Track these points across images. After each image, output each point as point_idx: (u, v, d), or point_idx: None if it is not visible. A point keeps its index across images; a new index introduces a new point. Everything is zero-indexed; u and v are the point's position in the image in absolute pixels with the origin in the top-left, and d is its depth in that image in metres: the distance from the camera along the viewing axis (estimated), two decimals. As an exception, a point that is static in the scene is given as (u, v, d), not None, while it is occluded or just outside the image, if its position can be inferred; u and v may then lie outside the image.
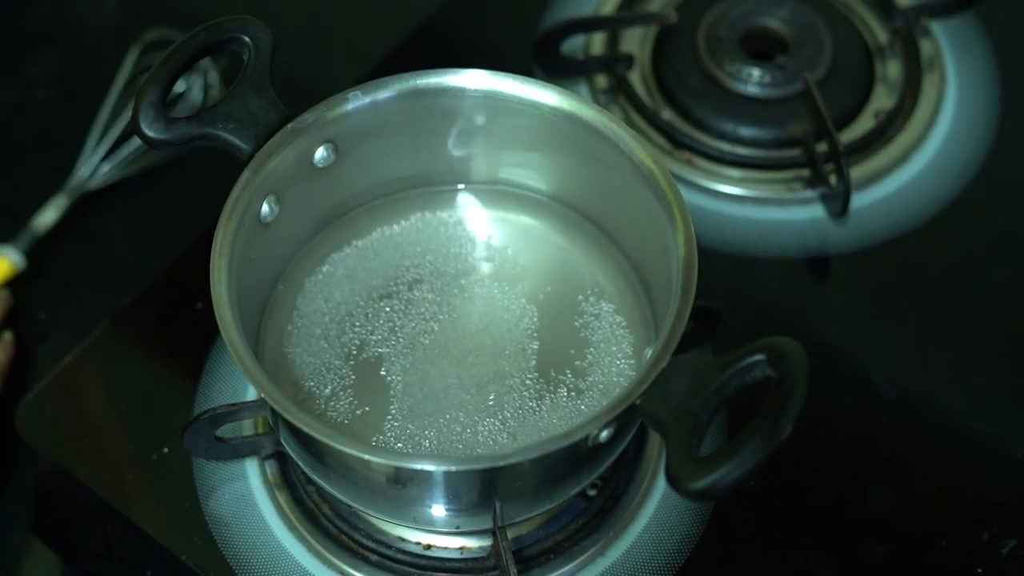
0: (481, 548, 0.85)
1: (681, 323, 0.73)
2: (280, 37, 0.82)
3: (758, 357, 0.70)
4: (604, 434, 0.73)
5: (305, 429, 0.71)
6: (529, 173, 0.90)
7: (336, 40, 1.20)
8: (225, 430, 0.86)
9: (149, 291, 0.98)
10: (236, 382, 0.92)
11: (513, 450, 0.71)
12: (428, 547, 0.85)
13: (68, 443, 0.92)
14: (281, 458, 0.89)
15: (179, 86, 1.07)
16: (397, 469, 0.74)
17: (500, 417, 0.82)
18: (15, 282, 1.05)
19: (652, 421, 0.72)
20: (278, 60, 0.82)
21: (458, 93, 0.84)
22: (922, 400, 0.94)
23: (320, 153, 0.84)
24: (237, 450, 0.88)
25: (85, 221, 1.07)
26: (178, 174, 1.09)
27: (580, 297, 0.88)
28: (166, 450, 0.91)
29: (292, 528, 0.87)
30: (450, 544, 0.85)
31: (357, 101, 0.83)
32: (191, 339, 0.95)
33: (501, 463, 0.71)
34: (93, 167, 1.06)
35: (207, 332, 0.92)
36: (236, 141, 0.80)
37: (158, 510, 0.90)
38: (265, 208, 0.82)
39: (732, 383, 0.70)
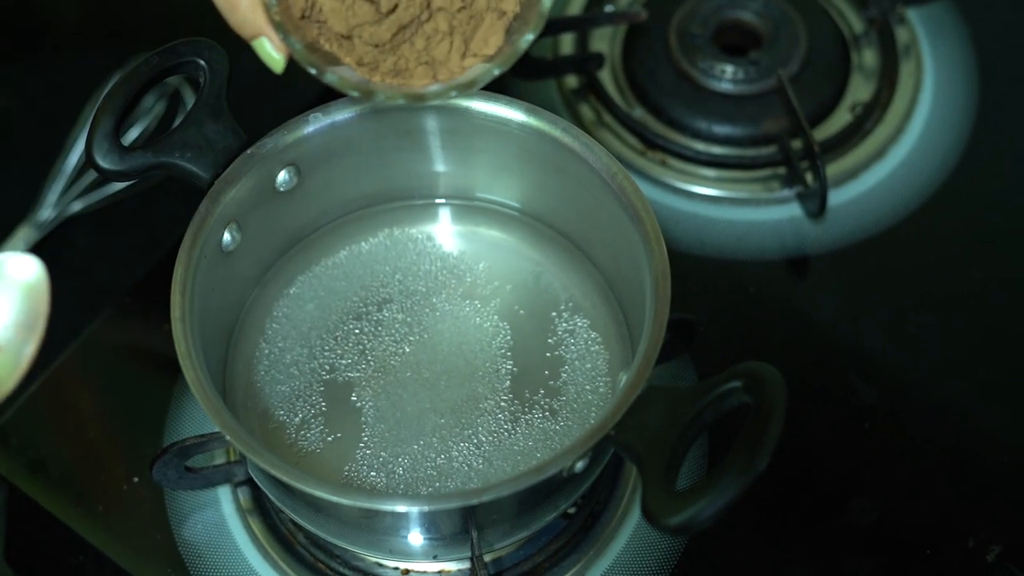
0: (460, 572, 0.83)
1: (655, 349, 0.71)
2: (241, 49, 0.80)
3: (735, 384, 0.69)
4: (579, 465, 0.72)
5: (273, 472, 0.69)
6: (499, 188, 0.88)
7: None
8: (196, 459, 0.84)
9: (114, 315, 0.97)
10: (206, 407, 0.91)
11: (486, 487, 0.69)
12: (406, 572, 0.84)
13: (37, 474, 0.91)
14: (254, 484, 0.87)
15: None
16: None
17: (475, 441, 0.81)
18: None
19: (627, 452, 0.70)
20: (238, 72, 0.80)
21: (421, 110, 0.82)
22: (904, 404, 0.93)
23: (282, 177, 0.82)
24: (208, 479, 0.86)
25: (48, 244, 1.05)
26: (145, 192, 1.06)
27: (554, 313, 0.86)
28: (136, 479, 0.89)
29: (267, 556, 0.86)
30: (428, 568, 0.84)
31: (317, 123, 0.81)
32: (160, 363, 0.93)
33: (474, 501, 0.69)
34: (59, 197, 1.04)
35: (175, 355, 0.90)
36: (194, 169, 0.78)
37: (130, 541, 0.88)
38: (227, 237, 0.80)
39: (709, 411, 0.69)
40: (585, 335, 0.85)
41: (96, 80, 1.11)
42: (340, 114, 0.81)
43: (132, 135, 1.05)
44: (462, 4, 0.74)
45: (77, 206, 1.04)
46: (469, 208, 0.89)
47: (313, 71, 0.72)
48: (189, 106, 1.07)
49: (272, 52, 0.72)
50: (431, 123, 0.83)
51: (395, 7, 0.73)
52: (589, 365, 0.84)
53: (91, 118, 1.05)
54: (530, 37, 0.74)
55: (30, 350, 0.85)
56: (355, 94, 0.74)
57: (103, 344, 0.97)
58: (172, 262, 0.77)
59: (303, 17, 0.73)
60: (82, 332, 0.97)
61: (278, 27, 0.72)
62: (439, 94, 0.74)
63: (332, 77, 0.73)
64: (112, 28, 1.19)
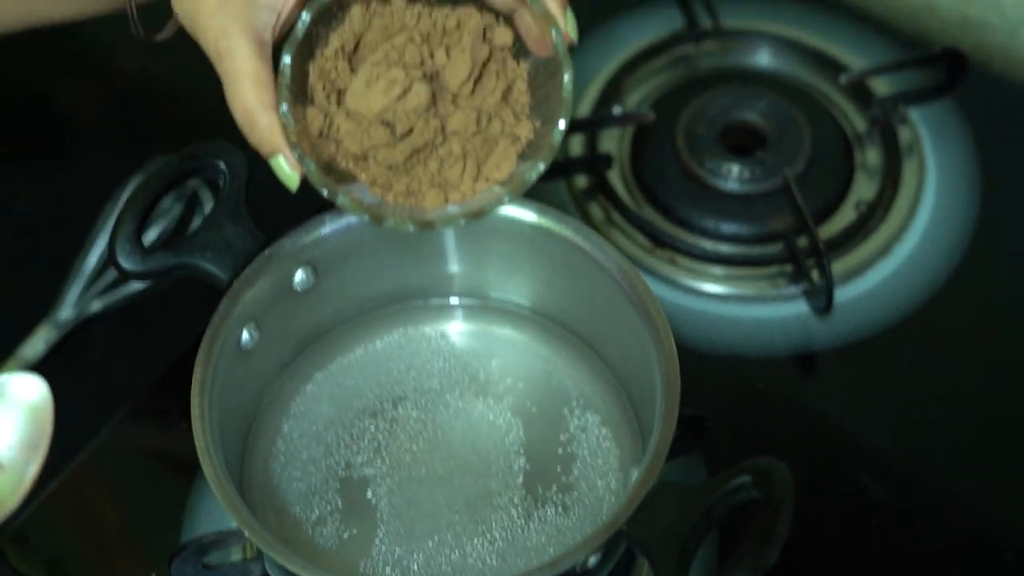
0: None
1: (665, 445, 0.73)
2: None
3: (744, 479, 0.70)
4: (592, 560, 0.73)
5: (291, 568, 0.71)
6: (511, 287, 0.90)
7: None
8: (213, 556, 0.85)
9: (133, 415, 0.98)
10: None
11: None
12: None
13: (55, 572, 0.92)
14: (271, 581, 0.88)
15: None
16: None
17: (489, 537, 0.82)
18: None
19: (639, 547, 0.71)
20: (257, 173, 0.82)
21: (435, 212, 0.84)
22: (912, 499, 0.94)
23: (299, 277, 0.84)
24: (226, 576, 0.87)
25: (67, 344, 1.06)
26: (163, 292, 1.08)
27: (566, 410, 0.87)
28: (154, 575, 0.90)
29: (283, 653, 0.86)
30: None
31: (333, 224, 0.83)
32: (177, 461, 0.94)
33: (487, 597, 0.70)
34: (79, 296, 1.06)
35: (193, 452, 0.91)
36: (214, 270, 0.80)
37: (146, 637, 0.89)
38: (245, 336, 0.81)
39: (719, 507, 0.70)
40: (596, 431, 0.86)
41: (115, 181, 1.12)
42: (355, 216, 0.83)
43: (151, 236, 1.06)
44: (476, 129, 0.76)
45: (96, 306, 1.06)
46: (482, 307, 0.91)
47: (325, 192, 0.74)
48: (207, 207, 1.09)
49: (288, 170, 0.74)
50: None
51: (410, 131, 0.75)
52: (601, 461, 0.85)
53: (113, 219, 1.07)
54: (540, 167, 0.76)
55: (33, 469, 0.87)
56: (366, 218, 0.75)
57: (121, 443, 0.98)
58: (190, 362, 0.78)
59: (321, 135, 0.75)
60: (100, 431, 0.98)
61: (294, 147, 0.74)
62: (448, 221, 0.76)
63: (343, 200, 0.74)
64: (131, 129, 1.21)
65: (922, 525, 0.93)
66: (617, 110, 1.12)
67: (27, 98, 1.23)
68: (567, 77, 0.75)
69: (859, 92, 1.13)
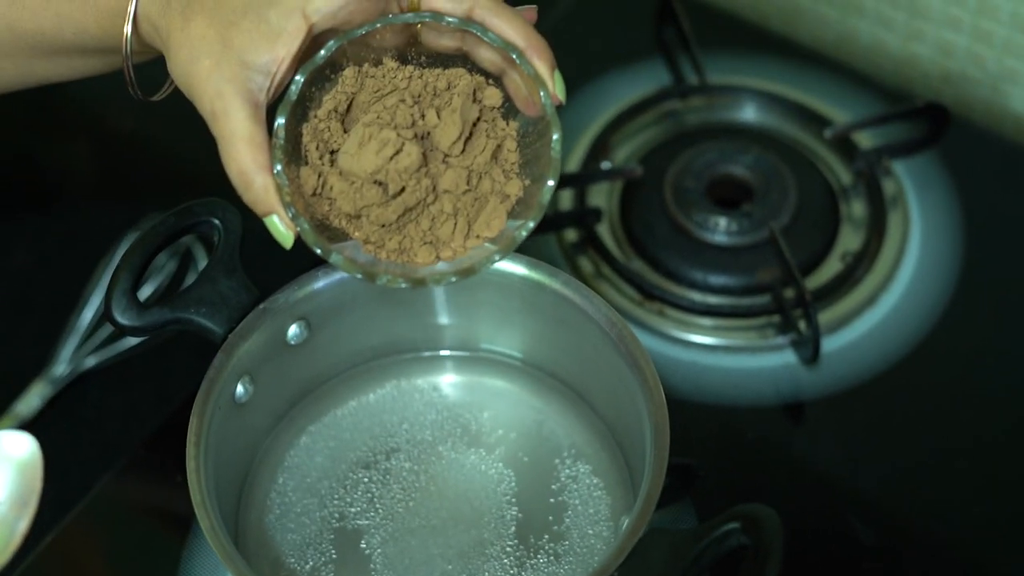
0: None
1: (656, 493, 0.74)
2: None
3: (733, 526, 0.71)
4: (584, 607, 0.74)
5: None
6: (502, 339, 0.91)
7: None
8: (208, 610, 0.86)
9: (127, 469, 0.98)
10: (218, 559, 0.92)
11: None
12: None
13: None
14: (266, 634, 0.89)
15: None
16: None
17: (482, 587, 0.83)
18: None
19: (631, 594, 0.72)
20: (251, 228, 0.83)
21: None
22: (901, 545, 0.95)
23: (293, 331, 0.85)
24: (221, 629, 0.88)
25: (62, 399, 1.07)
26: (156, 348, 1.09)
27: (557, 460, 0.88)
28: (149, 630, 0.91)
29: None
30: None
31: (327, 278, 0.84)
32: (172, 515, 0.95)
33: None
34: (74, 352, 1.07)
35: (188, 506, 0.92)
36: (209, 324, 0.81)
37: None
38: (240, 389, 0.82)
39: (708, 554, 0.71)
40: (587, 480, 0.87)
41: (109, 238, 1.13)
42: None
43: (146, 292, 1.07)
44: (467, 187, 0.77)
45: (91, 361, 1.07)
46: (473, 359, 0.92)
47: (319, 251, 0.75)
48: (200, 263, 1.10)
49: (282, 229, 0.75)
50: (436, 278, 0.86)
51: (402, 190, 0.76)
52: (592, 510, 0.86)
53: (107, 276, 1.09)
54: (530, 225, 0.77)
55: (23, 526, 0.87)
56: (359, 276, 0.77)
57: (115, 498, 0.98)
58: (184, 416, 0.79)
59: (315, 194, 0.77)
60: (95, 486, 0.98)
61: (288, 207, 0.75)
62: (439, 279, 0.77)
63: (337, 258, 0.75)
64: (123, 187, 1.22)
65: (911, 570, 0.93)
66: (606, 165, 1.13)
67: (20, 156, 1.24)
68: (555, 137, 0.76)
69: (843, 146, 1.14)
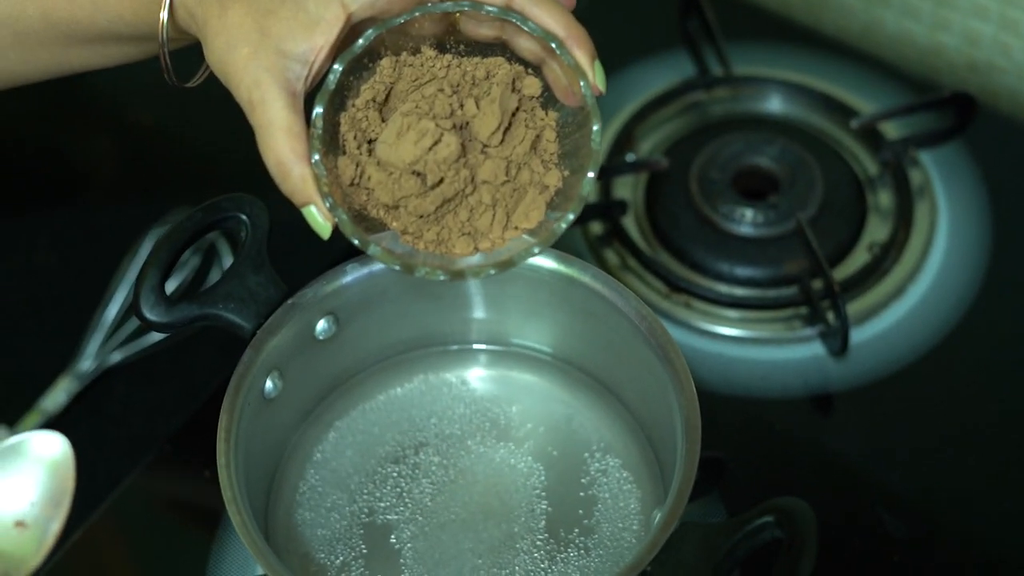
0: None
1: (687, 486, 0.73)
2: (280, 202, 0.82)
3: (767, 519, 0.71)
4: (616, 601, 0.73)
5: (318, 613, 0.71)
6: (530, 332, 0.90)
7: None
8: (238, 604, 0.86)
9: (155, 463, 0.99)
10: (247, 553, 0.92)
11: None
12: None
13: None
14: (296, 629, 0.89)
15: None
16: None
17: (512, 581, 0.82)
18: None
19: (664, 588, 0.72)
20: (278, 222, 0.83)
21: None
22: (932, 536, 0.94)
23: (321, 326, 0.84)
24: (250, 623, 0.88)
25: (88, 395, 1.07)
26: (182, 343, 1.09)
27: (586, 454, 0.88)
28: (178, 624, 0.91)
29: None
30: None
31: (355, 273, 0.84)
32: (200, 510, 0.95)
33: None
34: (100, 348, 1.07)
35: (216, 501, 0.92)
36: (237, 320, 0.81)
37: None
38: (269, 384, 0.82)
39: (742, 547, 0.71)
40: (617, 474, 0.87)
41: (134, 232, 1.14)
42: (377, 264, 0.84)
43: (169, 287, 1.07)
44: (506, 178, 0.76)
45: (116, 357, 1.07)
46: (502, 353, 0.92)
47: (356, 242, 0.75)
48: (224, 259, 1.10)
49: (320, 220, 0.75)
50: (465, 272, 0.86)
51: (441, 180, 0.76)
52: (622, 504, 0.85)
53: (133, 271, 1.09)
54: (570, 217, 0.76)
55: (55, 527, 0.87)
56: (396, 267, 0.76)
57: (142, 493, 0.98)
58: (210, 412, 0.79)
59: (352, 185, 0.76)
60: (121, 482, 0.98)
61: (326, 197, 0.74)
62: (478, 272, 0.77)
63: (375, 249, 0.75)
64: (149, 181, 1.23)
65: (942, 561, 0.93)
66: (631, 157, 1.13)
67: (44, 151, 1.24)
68: (596, 128, 0.76)
69: (870, 136, 1.14)
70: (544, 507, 0.85)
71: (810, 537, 0.69)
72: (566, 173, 0.78)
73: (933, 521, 0.95)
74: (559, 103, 0.78)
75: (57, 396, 1.06)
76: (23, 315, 1.14)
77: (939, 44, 1.25)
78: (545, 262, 0.84)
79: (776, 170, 1.10)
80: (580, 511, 0.85)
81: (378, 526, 0.85)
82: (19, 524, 0.89)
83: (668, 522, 0.72)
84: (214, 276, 1.11)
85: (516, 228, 0.78)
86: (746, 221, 1.07)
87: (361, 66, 0.76)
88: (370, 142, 0.77)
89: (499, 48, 0.78)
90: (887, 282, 1.06)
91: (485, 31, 0.77)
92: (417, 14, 0.75)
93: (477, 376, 0.92)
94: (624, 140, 1.14)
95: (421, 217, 0.76)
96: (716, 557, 0.70)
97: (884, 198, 1.11)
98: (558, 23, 0.75)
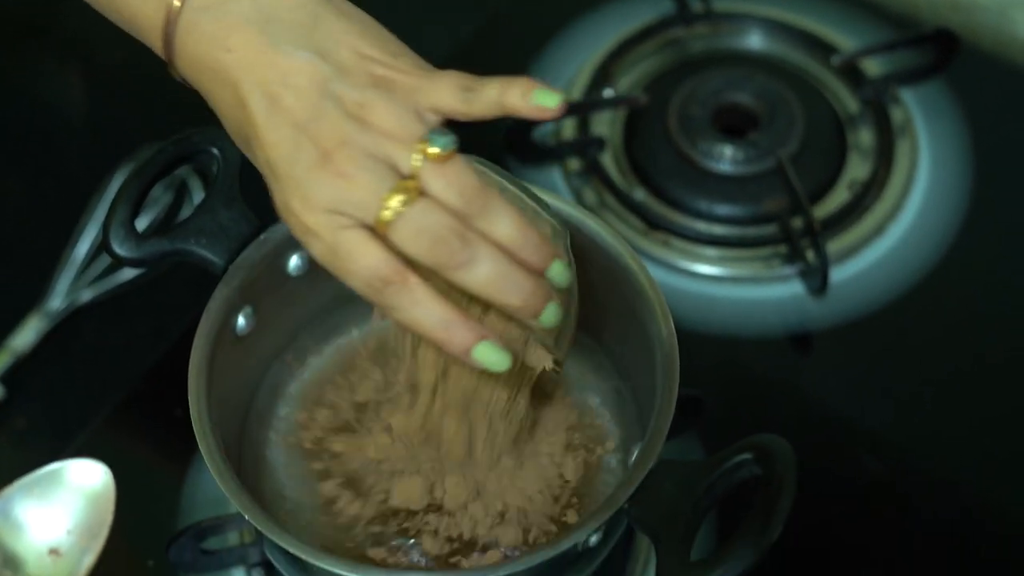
0: (474, 649, 0.84)
1: (665, 424, 0.73)
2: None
3: (745, 456, 0.70)
4: (593, 539, 0.73)
5: (291, 550, 0.70)
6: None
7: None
8: (211, 541, 0.85)
9: (127, 401, 0.97)
10: (220, 490, 0.91)
11: (501, 564, 0.70)
12: (421, 651, 0.84)
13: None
14: (268, 567, 0.88)
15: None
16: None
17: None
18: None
19: (641, 525, 0.71)
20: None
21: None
22: (910, 477, 0.94)
23: (294, 262, 0.83)
24: (223, 561, 0.87)
25: (58, 334, 1.06)
26: (153, 281, 1.07)
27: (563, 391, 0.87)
28: (152, 563, 0.90)
29: (281, 640, 0.86)
30: (444, 646, 0.84)
31: (329, 207, 0.82)
32: (173, 447, 0.94)
33: (491, 575, 0.70)
34: (70, 286, 1.05)
35: (188, 439, 0.91)
36: (209, 256, 0.79)
37: (145, 624, 0.89)
38: (241, 321, 0.81)
39: (720, 484, 0.70)
40: (595, 413, 0.86)
41: (102, 170, 1.12)
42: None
43: (141, 224, 1.05)
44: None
45: (87, 295, 1.06)
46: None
47: None
48: (196, 196, 1.09)
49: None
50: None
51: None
52: (600, 446, 0.84)
53: (103, 208, 1.07)
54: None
55: (89, 560, 0.86)
56: None
57: (114, 432, 0.97)
58: (183, 349, 0.78)
59: None
60: (93, 420, 0.97)
61: None
62: None
63: None
64: (119, 117, 1.21)
65: (920, 502, 0.93)
66: (609, 93, 1.11)
67: (11, 91, 1.22)
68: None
69: (851, 73, 1.13)
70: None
71: (789, 474, 0.68)
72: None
73: (911, 461, 0.95)
74: None
75: (27, 335, 1.04)
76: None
77: (921, -19, 1.24)
78: (523, 198, 0.82)
79: (756, 107, 1.09)
80: (557, 449, 0.84)
81: (354, 461, 0.84)
82: (53, 552, 0.88)
83: (646, 459, 0.71)
84: (185, 215, 1.10)
85: None
86: (725, 158, 1.06)
87: None
88: None
89: None
90: (867, 221, 1.05)
91: None
92: None
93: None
94: (602, 76, 1.13)
95: None
96: (695, 494, 0.70)
97: (865, 136, 1.10)
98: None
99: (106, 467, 0.89)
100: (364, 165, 0.64)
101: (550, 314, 0.66)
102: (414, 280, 0.65)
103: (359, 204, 0.64)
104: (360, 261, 0.65)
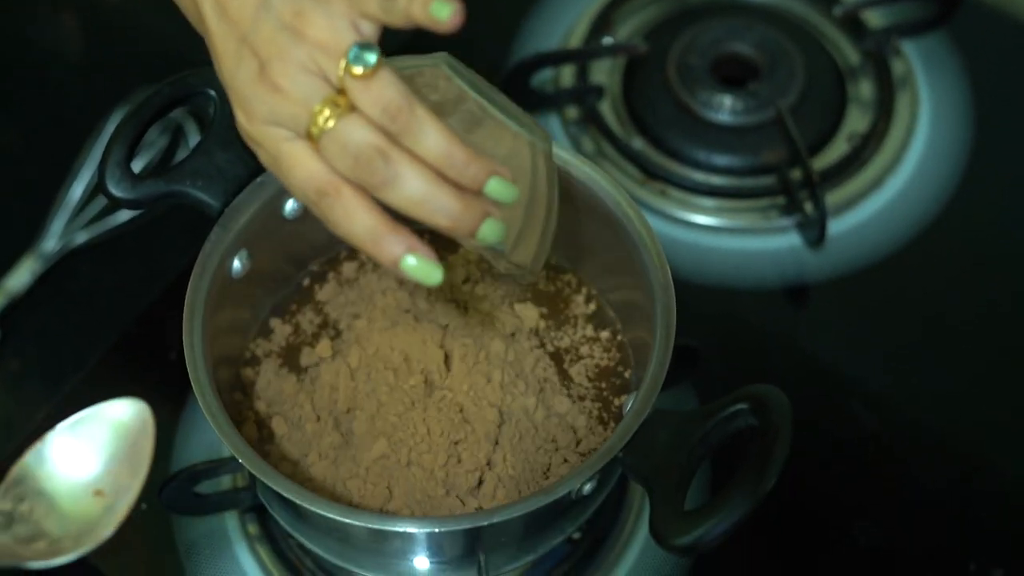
0: (467, 596, 0.84)
1: (661, 372, 0.73)
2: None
3: (741, 406, 0.70)
4: (587, 487, 0.72)
5: (285, 494, 0.70)
6: (503, 216, 0.88)
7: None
8: (204, 485, 0.85)
9: (121, 343, 0.97)
10: (213, 434, 0.91)
11: (495, 509, 0.70)
12: (413, 597, 0.84)
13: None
14: (261, 511, 0.88)
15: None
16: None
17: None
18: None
19: (635, 474, 0.71)
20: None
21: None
22: (904, 430, 0.94)
23: (291, 205, 0.83)
24: (217, 505, 0.87)
25: (52, 275, 1.05)
26: (148, 223, 1.07)
27: (560, 340, 0.86)
28: (145, 506, 0.90)
29: (274, 582, 0.86)
30: (435, 592, 0.84)
31: (326, 151, 0.82)
32: (166, 390, 0.94)
33: (484, 522, 0.70)
34: (64, 227, 1.05)
35: (182, 382, 0.91)
36: (205, 198, 0.79)
37: (138, 568, 0.89)
38: (237, 263, 0.80)
39: (715, 434, 0.70)
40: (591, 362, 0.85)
41: (99, 112, 1.11)
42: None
43: (136, 167, 1.05)
44: None
45: (82, 237, 1.05)
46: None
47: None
48: (191, 139, 1.08)
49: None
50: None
51: None
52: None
53: (99, 149, 1.06)
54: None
55: (131, 498, 0.87)
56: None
57: (109, 374, 0.97)
58: (177, 292, 0.78)
59: None
60: (88, 362, 0.97)
61: None
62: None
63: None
64: (115, 59, 1.20)
65: (914, 454, 0.93)
66: (608, 41, 1.11)
67: (5, 33, 1.21)
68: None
69: (852, 24, 1.12)
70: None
71: (785, 425, 0.68)
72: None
73: (906, 414, 0.95)
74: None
75: (21, 276, 1.04)
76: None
77: (924, -68, 1.23)
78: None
79: (756, 57, 1.08)
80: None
81: (348, 401, 0.83)
82: (97, 492, 0.88)
83: (642, 407, 0.71)
84: (180, 155, 1.09)
85: None
86: (724, 108, 1.05)
87: None
88: None
89: None
90: (866, 173, 1.04)
91: None
92: None
93: (451, 257, 0.89)
94: (601, 23, 1.12)
95: None
96: (689, 444, 0.70)
97: (865, 88, 1.09)
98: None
99: (145, 404, 0.89)
100: (296, 79, 0.64)
101: (488, 231, 0.66)
102: (348, 192, 0.64)
103: (292, 118, 0.64)
104: (298, 173, 0.65)
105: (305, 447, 0.80)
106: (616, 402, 0.81)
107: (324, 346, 0.84)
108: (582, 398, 0.81)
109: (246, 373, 0.84)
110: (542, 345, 0.83)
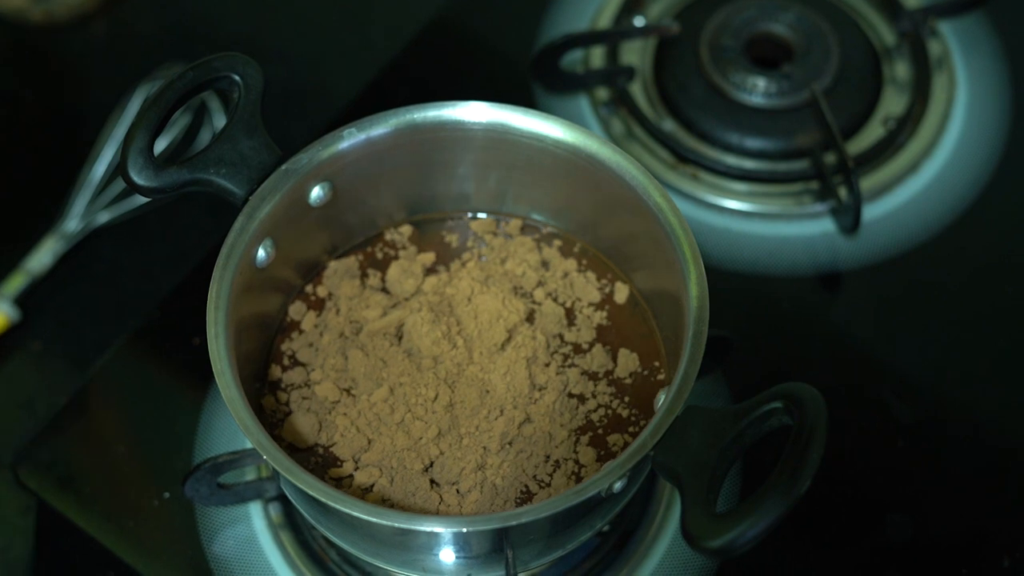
0: (494, 591, 0.83)
1: (694, 368, 0.71)
2: (274, 51, 0.77)
3: (775, 405, 0.68)
4: (618, 485, 0.71)
5: (308, 491, 0.69)
6: (533, 202, 0.87)
7: (330, 54, 1.16)
8: (227, 476, 0.84)
9: (144, 329, 0.96)
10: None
11: (526, 509, 0.69)
12: (439, 591, 0.83)
13: (67, 489, 0.90)
14: (285, 500, 0.87)
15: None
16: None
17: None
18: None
19: (667, 473, 0.69)
20: (272, 86, 0.80)
21: (456, 126, 0.81)
22: (939, 420, 0.93)
23: (316, 193, 0.81)
24: (240, 495, 0.86)
25: (74, 256, 1.04)
26: (171, 204, 1.06)
27: (588, 330, 0.85)
28: (167, 495, 0.89)
29: (298, 573, 0.86)
30: (462, 587, 0.83)
31: (352, 139, 0.80)
32: (189, 377, 0.93)
33: (513, 522, 0.69)
34: (86, 208, 1.04)
35: (205, 369, 0.89)
36: (229, 186, 0.77)
37: (161, 557, 0.88)
38: (261, 253, 0.79)
39: (749, 433, 0.68)
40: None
41: (123, 88, 1.10)
42: (375, 130, 0.80)
43: (159, 147, 1.04)
44: None
45: (104, 217, 1.04)
46: (502, 222, 0.88)
47: None
48: (215, 115, 1.07)
49: None
50: (466, 138, 0.82)
51: None
52: (625, 383, 0.83)
53: (122, 128, 1.05)
54: None
55: None
56: None
57: (132, 358, 0.96)
58: (201, 275, 0.77)
59: None
60: (110, 347, 0.96)
61: None
62: None
63: None
64: (137, 41, 1.19)
65: (949, 446, 0.91)
66: (640, 21, 1.09)
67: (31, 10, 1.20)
68: None
69: (888, 4, 1.10)
70: (548, 381, 0.83)
71: (820, 425, 0.66)
72: None
73: (940, 406, 0.93)
74: None
75: (43, 256, 1.03)
76: (6, 173, 1.11)
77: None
78: (549, 129, 0.80)
79: (790, 38, 1.06)
80: (583, 388, 0.83)
81: (371, 394, 0.82)
82: None
83: (674, 404, 0.70)
84: (204, 134, 1.08)
85: None
86: (758, 91, 1.03)
87: None
88: None
89: None
90: (902, 157, 1.02)
91: None
92: None
93: (477, 244, 0.88)
94: (633, 3, 1.10)
95: None
96: (722, 443, 0.68)
97: (901, 70, 1.07)
98: None
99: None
100: None
101: None
102: None
103: None
104: None
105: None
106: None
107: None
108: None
109: (272, 369, 0.83)
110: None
